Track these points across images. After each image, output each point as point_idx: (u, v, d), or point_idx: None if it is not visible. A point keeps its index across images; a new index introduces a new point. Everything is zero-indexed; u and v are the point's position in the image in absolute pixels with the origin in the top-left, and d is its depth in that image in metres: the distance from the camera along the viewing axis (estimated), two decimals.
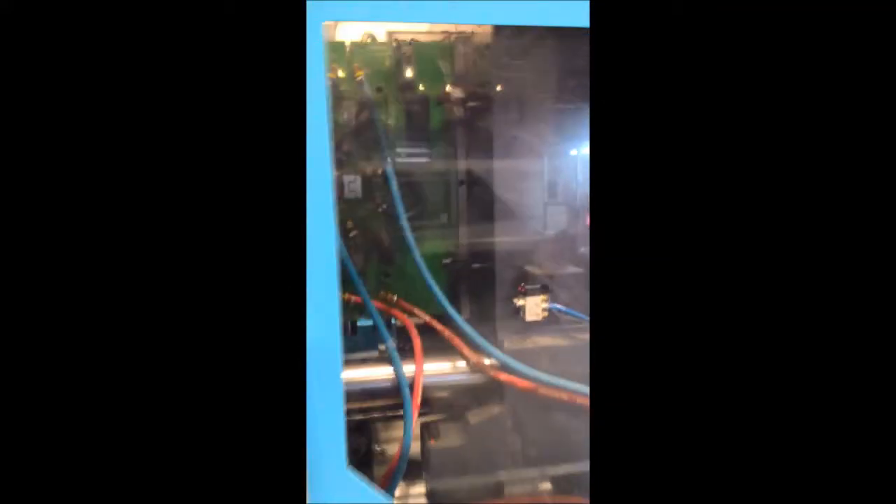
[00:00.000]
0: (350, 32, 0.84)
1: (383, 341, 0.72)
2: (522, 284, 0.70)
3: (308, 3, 0.43)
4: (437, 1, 0.46)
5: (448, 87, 0.78)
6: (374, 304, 0.80)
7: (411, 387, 0.69)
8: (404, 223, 0.74)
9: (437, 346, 0.75)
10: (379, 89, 0.80)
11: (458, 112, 0.79)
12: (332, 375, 0.47)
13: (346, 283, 0.80)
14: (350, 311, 0.83)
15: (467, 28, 0.77)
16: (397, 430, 0.78)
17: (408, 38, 0.78)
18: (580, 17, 0.45)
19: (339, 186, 0.79)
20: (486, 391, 0.73)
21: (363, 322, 0.84)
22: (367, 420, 0.78)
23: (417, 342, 0.73)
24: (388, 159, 0.76)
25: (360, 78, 0.76)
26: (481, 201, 0.76)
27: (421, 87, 0.79)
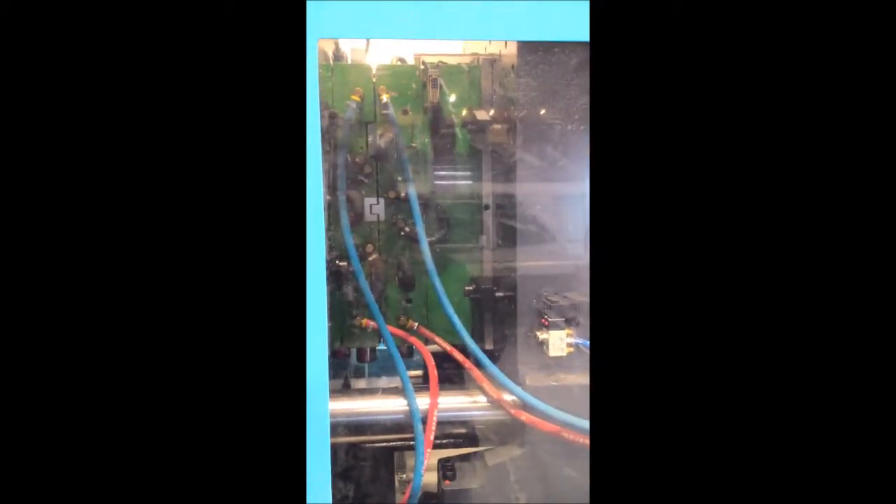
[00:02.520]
0: (378, 55, 0.83)
1: (398, 371, 0.69)
2: (546, 317, 0.65)
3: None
4: (432, 15, 0.43)
5: (476, 109, 0.76)
6: (394, 331, 0.77)
7: (425, 421, 0.65)
8: (425, 247, 0.71)
9: (459, 378, 0.71)
10: (405, 111, 0.78)
11: (485, 134, 0.76)
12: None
13: (365, 308, 0.78)
14: (369, 337, 0.81)
15: (495, 50, 0.74)
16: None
17: (435, 60, 0.77)
18: (580, 31, 0.42)
19: (361, 209, 0.78)
20: (506, 430, 0.68)
21: (384, 348, 0.81)
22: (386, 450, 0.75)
23: (434, 374, 0.69)
24: (411, 182, 0.74)
25: (385, 100, 0.75)
26: (510, 226, 0.72)
27: (448, 109, 0.77)
